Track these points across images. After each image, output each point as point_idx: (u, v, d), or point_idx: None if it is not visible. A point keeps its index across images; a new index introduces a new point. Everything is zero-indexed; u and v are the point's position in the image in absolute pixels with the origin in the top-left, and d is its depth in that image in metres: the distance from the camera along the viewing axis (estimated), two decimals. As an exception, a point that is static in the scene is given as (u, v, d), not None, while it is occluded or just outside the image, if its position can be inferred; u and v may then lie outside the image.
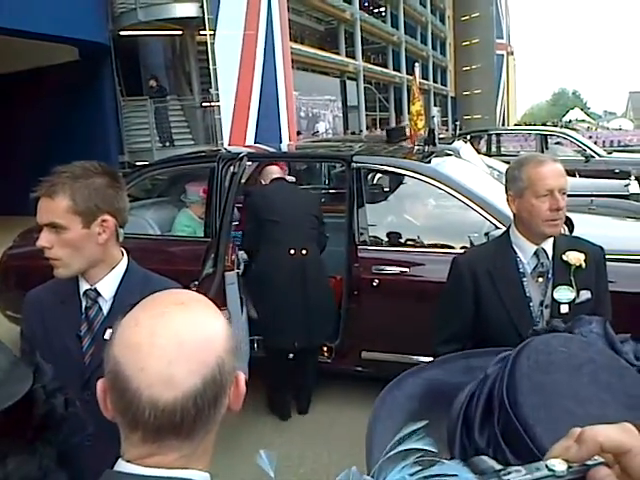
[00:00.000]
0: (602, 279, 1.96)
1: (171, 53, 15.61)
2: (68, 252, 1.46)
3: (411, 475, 0.62)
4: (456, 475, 0.62)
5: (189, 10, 12.81)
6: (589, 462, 0.48)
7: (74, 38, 11.68)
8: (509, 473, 0.49)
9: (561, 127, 21.74)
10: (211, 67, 12.68)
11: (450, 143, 6.81)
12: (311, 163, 6.49)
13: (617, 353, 0.85)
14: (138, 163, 11.64)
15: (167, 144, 13.15)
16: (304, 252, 3.63)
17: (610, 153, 10.62)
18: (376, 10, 33.52)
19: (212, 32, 12.55)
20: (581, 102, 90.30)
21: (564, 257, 1.89)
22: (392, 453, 0.68)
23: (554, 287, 1.87)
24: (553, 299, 1.87)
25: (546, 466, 0.48)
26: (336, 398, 3.89)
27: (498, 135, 11.51)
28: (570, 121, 39.22)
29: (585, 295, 1.88)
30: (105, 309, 1.51)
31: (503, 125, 43.61)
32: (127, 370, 0.70)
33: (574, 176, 7.96)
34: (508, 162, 8.05)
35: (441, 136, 9.25)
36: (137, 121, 13.49)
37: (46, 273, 4.52)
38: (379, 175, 5.08)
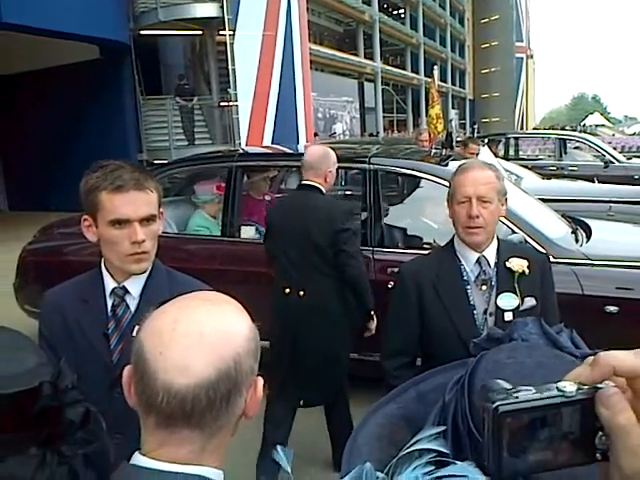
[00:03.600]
0: (548, 286, 1.94)
1: (191, 53, 15.72)
2: (153, 243, 1.49)
3: (424, 474, 0.63)
4: (466, 476, 0.63)
5: (209, 10, 12.89)
6: (599, 385, 0.48)
7: (95, 37, 11.81)
8: (518, 391, 0.49)
9: (580, 132, 21.51)
10: (230, 67, 12.73)
11: (468, 146, 6.79)
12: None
13: (559, 349, 0.86)
14: (156, 161, 11.75)
15: (188, 143, 13.26)
16: (301, 293, 2.88)
17: (630, 159, 10.53)
18: (395, 12, 33.45)
19: (232, 32, 12.61)
20: (601, 106, 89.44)
21: (507, 264, 1.87)
22: (406, 452, 0.69)
23: (498, 295, 1.85)
24: (497, 307, 1.84)
25: (556, 387, 0.48)
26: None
27: (516, 139, 11.47)
28: (591, 126, 38.73)
29: (529, 302, 1.85)
30: (132, 307, 1.51)
31: (521, 129, 43.28)
32: (147, 353, 0.73)
33: (593, 182, 7.91)
34: (526, 166, 8.07)
35: (459, 139, 9.24)
36: (156, 120, 13.60)
37: (65, 269, 4.57)
38: (395, 177, 5.08)
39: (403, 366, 1.95)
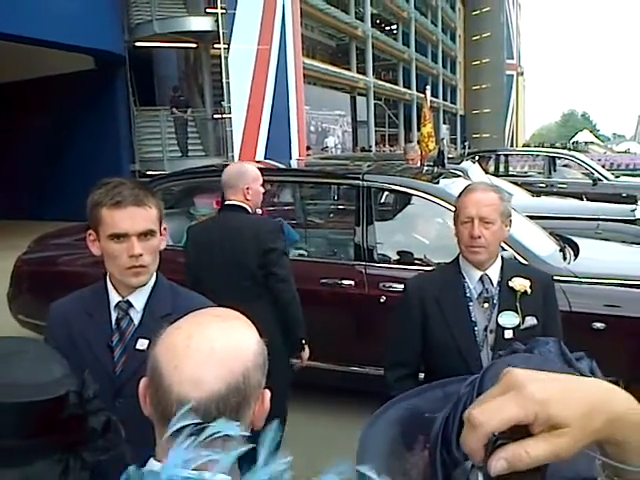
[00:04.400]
0: (551, 306, 1.99)
1: (185, 65, 15.82)
2: (152, 258, 1.55)
3: (187, 446, 0.68)
4: (220, 431, 0.68)
5: (204, 24, 13.00)
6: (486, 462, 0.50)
7: (90, 48, 11.87)
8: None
9: (569, 149, 21.74)
10: (224, 80, 12.82)
11: (458, 163, 6.89)
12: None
13: (573, 369, 0.90)
14: (149, 172, 11.78)
15: (181, 154, 13.32)
16: None
17: (618, 177, 10.67)
18: (388, 28, 33.84)
19: (226, 46, 12.71)
20: (590, 124, 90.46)
21: (510, 283, 1.92)
22: (166, 436, 0.73)
23: (499, 312, 1.90)
24: (498, 324, 1.89)
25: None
26: (341, 411, 3.92)
27: (506, 156, 11.60)
28: (581, 143, 38.99)
29: (530, 321, 1.90)
30: (136, 320, 1.56)
31: (512, 145, 43.76)
32: (162, 368, 0.78)
33: (582, 199, 8.03)
34: (516, 183, 8.15)
35: (449, 155, 9.35)
36: (149, 131, 13.65)
37: (59, 279, 4.56)
38: (387, 194, 5.14)
39: (404, 377, 2.00)
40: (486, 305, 1.92)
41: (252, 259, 2.71)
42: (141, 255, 1.49)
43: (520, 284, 1.91)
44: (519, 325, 1.88)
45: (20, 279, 4.64)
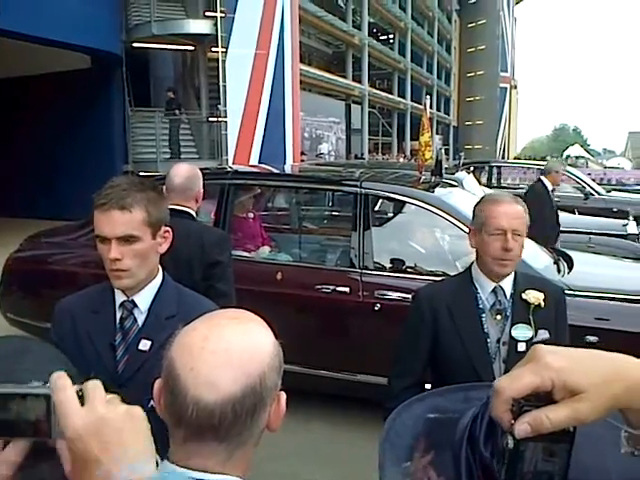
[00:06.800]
0: (561, 319, 1.96)
1: (182, 67, 15.79)
2: (137, 262, 1.50)
3: None
4: None
5: (203, 27, 13.00)
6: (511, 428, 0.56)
7: (87, 46, 11.87)
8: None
9: (561, 162, 21.84)
10: (221, 84, 12.84)
11: (453, 173, 6.91)
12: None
13: None
14: (141, 173, 11.74)
15: (174, 156, 13.27)
16: None
17: (609, 192, 10.74)
18: (384, 37, 34.00)
19: (224, 50, 12.72)
20: (581, 139, 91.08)
21: (524, 296, 1.89)
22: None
23: (512, 325, 1.87)
24: (511, 337, 1.86)
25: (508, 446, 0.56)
26: (334, 417, 3.92)
27: (499, 167, 11.69)
28: (576, 157, 38.93)
29: (543, 335, 1.87)
30: (140, 320, 1.55)
31: (503, 157, 44.01)
32: (178, 369, 0.77)
33: (573, 213, 8.08)
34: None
35: (446, 167, 9.36)
36: (143, 132, 13.59)
37: (50, 278, 4.53)
38: (382, 201, 5.14)
39: (410, 387, 1.94)
40: (499, 317, 1.89)
41: (196, 270, 2.50)
42: (119, 259, 1.47)
43: (535, 297, 1.88)
44: (532, 338, 1.85)
45: (11, 277, 4.59)
